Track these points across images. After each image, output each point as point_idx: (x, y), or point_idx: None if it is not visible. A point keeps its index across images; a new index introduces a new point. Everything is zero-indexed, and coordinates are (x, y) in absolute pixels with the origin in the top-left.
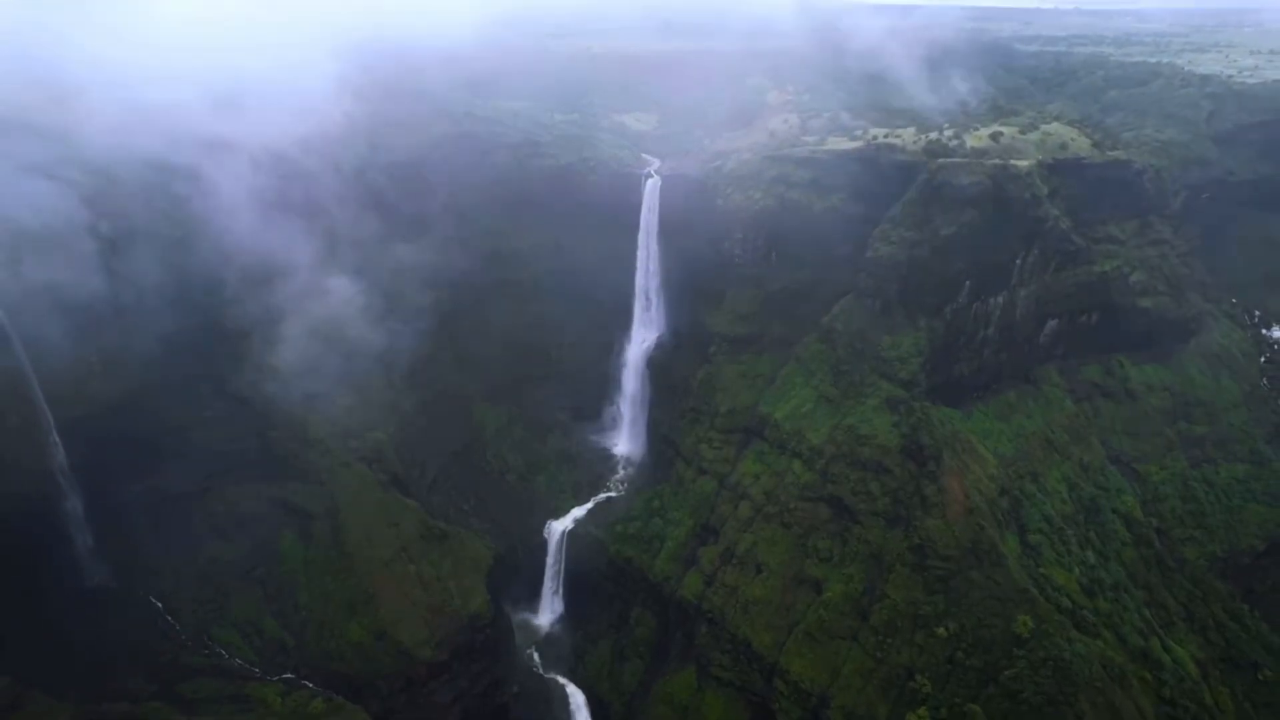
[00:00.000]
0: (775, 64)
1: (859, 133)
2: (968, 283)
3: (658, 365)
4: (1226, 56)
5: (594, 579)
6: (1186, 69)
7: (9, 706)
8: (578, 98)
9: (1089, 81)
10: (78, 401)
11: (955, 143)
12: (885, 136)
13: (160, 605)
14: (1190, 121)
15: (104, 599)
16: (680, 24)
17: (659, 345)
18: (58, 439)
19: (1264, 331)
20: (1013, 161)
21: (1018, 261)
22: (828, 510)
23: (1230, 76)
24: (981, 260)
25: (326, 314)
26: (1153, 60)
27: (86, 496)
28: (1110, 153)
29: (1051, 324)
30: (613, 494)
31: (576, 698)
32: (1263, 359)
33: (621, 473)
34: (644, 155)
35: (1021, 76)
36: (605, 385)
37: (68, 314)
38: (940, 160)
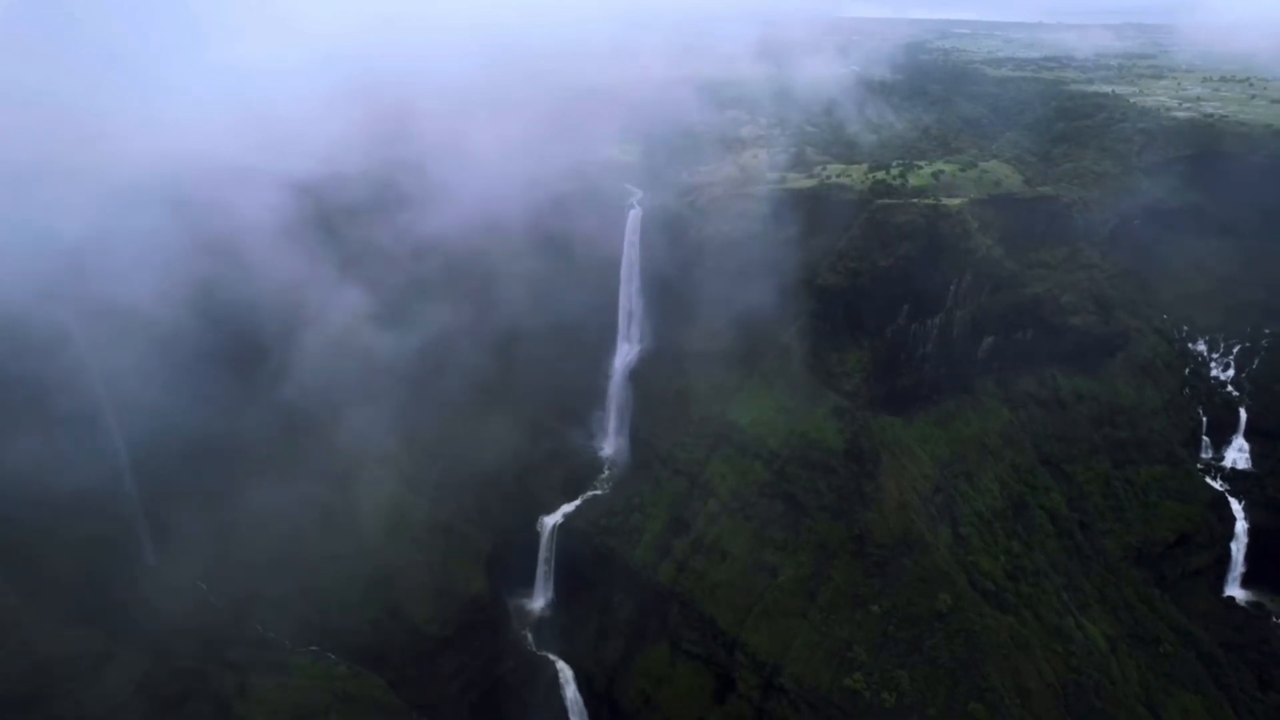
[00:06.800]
0: (752, 93)
1: (818, 169)
2: (905, 307)
3: (639, 377)
4: (1179, 84)
5: (581, 567)
6: (1131, 101)
7: (106, 658)
8: (572, 131)
9: (1043, 112)
10: (135, 409)
11: (899, 181)
12: (838, 176)
13: (204, 586)
14: (1123, 155)
15: (159, 579)
16: (664, 46)
17: (640, 359)
18: (120, 441)
19: (1189, 345)
20: (944, 200)
21: (951, 287)
22: (783, 505)
23: (1169, 110)
24: (917, 287)
25: (344, 332)
26: (1106, 89)
27: (142, 490)
28: (1039, 189)
29: (988, 340)
30: (598, 491)
31: (565, 672)
32: (1187, 370)
33: (606, 472)
34: (628, 186)
35: (983, 105)
36: (593, 395)
37: (127, 333)
38: (880, 201)
